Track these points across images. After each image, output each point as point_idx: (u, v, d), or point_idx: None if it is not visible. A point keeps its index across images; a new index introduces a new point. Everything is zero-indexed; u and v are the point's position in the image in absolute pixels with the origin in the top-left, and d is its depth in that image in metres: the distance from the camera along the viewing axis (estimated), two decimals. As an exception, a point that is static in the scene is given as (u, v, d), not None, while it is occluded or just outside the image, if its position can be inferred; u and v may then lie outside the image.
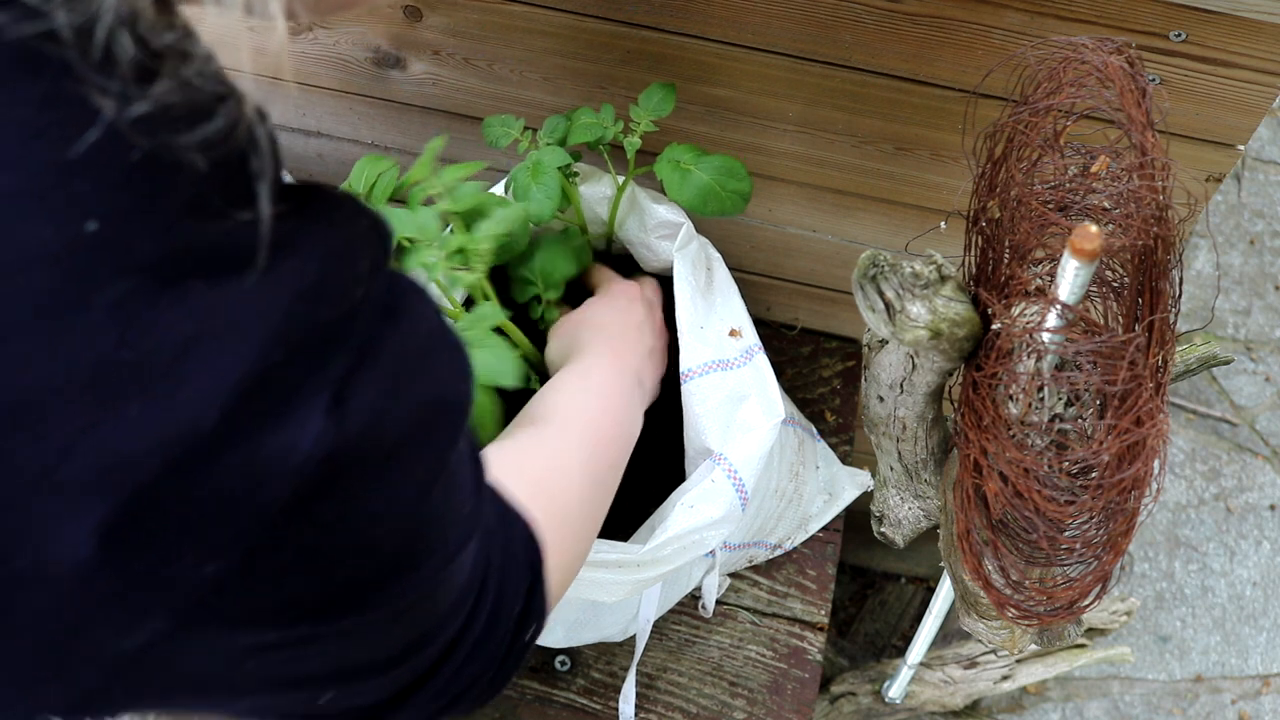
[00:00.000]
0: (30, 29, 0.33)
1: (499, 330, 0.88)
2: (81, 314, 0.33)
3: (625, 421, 0.83)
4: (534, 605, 0.61)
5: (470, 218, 0.88)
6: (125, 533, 0.35)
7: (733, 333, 0.93)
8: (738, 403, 0.90)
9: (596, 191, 1.00)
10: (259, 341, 0.36)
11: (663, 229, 0.98)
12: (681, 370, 0.91)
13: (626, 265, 1.03)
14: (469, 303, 0.93)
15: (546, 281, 0.96)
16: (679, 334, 0.91)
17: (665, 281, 0.99)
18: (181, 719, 0.49)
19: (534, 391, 0.83)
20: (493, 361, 0.80)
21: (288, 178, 0.43)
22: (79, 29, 0.33)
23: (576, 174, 0.99)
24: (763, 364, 0.92)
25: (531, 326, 0.98)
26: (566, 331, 0.92)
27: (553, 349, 0.92)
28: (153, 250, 0.35)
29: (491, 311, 0.85)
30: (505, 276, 0.98)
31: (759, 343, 0.93)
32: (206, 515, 0.36)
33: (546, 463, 0.73)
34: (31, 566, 0.35)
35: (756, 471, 0.88)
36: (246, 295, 0.36)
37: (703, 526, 0.86)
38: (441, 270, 0.83)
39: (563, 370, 0.85)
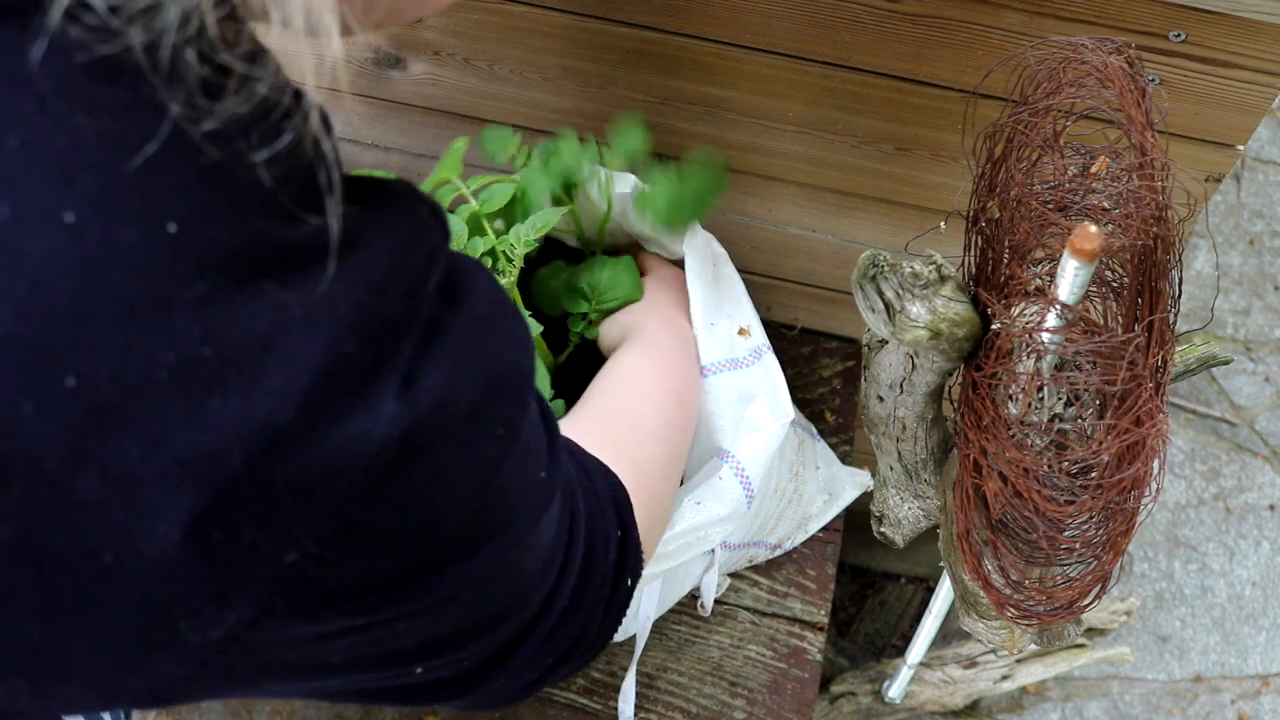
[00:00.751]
0: (108, 49, 0.34)
1: None
2: (165, 313, 0.34)
3: (688, 386, 0.86)
4: (629, 555, 0.62)
5: (494, 219, 0.87)
6: (211, 524, 0.36)
7: (742, 331, 0.93)
8: (746, 401, 0.90)
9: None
10: (331, 335, 0.37)
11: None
12: None
13: (610, 263, 1.03)
14: None
15: (601, 299, 0.96)
16: (694, 330, 0.92)
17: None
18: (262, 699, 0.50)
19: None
20: None
21: None
22: (148, 46, 0.34)
23: (576, 185, 0.99)
24: (771, 364, 0.92)
25: (557, 332, 0.98)
26: (621, 314, 0.94)
27: (609, 330, 0.94)
28: (229, 251, 0.36)
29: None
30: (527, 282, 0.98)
31: (768, 342, 0.93)
32: (289, 504, 0.37)
33: (621, 424, 0.76)
34: (120, 559, 0.35)
35: (763, 470, 0.88)
36: (317, 292, 0.37)
37: (708, 523, 0.86)
38: None
39: (625, 345, 0.88)
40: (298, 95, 0.38)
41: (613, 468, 0.65)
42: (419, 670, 0.50)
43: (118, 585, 0.36)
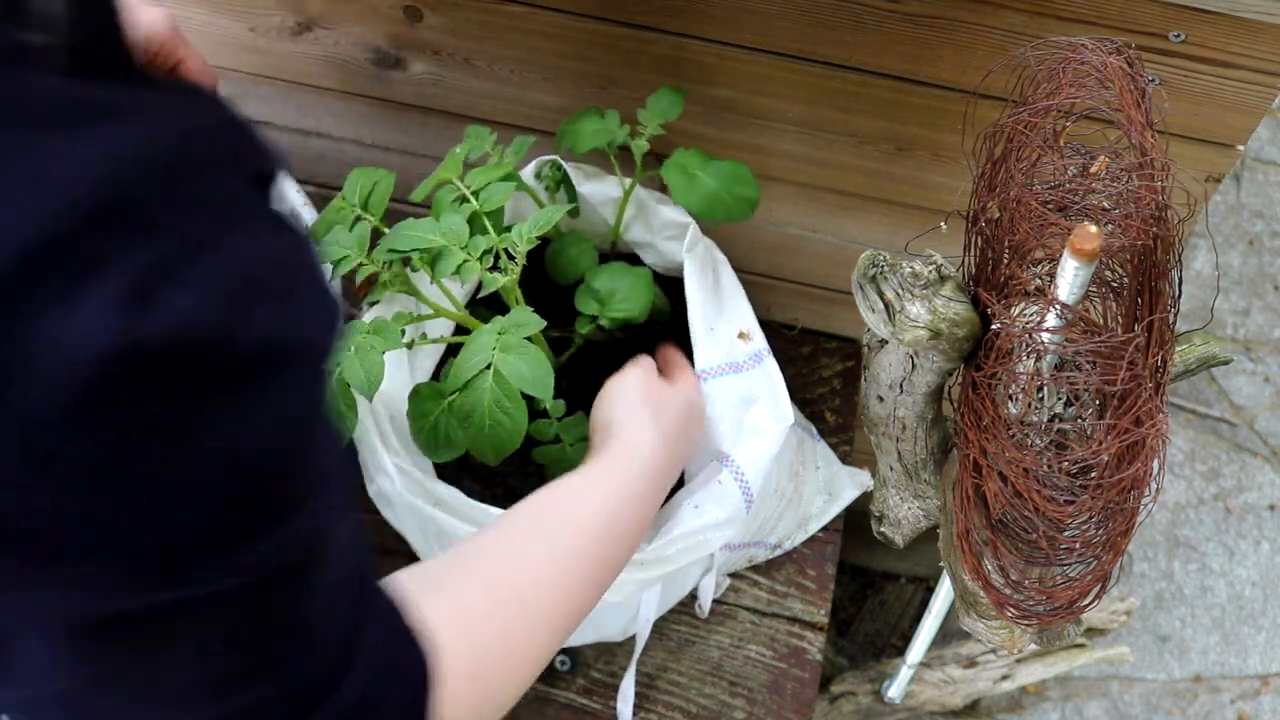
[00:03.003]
0: None
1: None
2: None
3: (629, 537, 0.71)
4: None
5: (496, 218, 0.87)
6: None
7: (741, 335, 0.93)
8: (746, 405, 0.90)
9: (600, 193, 1.00)
10: (49, 207, 0.31)
11: (669, 229, 0.99)
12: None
13: (632, 263, 1.03)
14: (497, 304, 0.91)
15: (612, 309, 0.94)
16: (691, 335, 0.91)
17: (673, 282, 0.99)
18: None
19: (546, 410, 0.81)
20: (526, 370, 0.77)
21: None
22: None
23: (559, 180, 0.99)
24: (772, 368, 0.92)
25: (563, 309, 0.97)
26: (615, 402, 0.79)
27: (598, 413, 0.81)
28: None
29: (529, 319, 0.81)
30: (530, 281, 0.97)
31: (767, 346, 0.93)
32: None
33: (505, 568, 0.60)
34: None
35: (763, 474, 0.88)
36: (48, 151, 0.31)
37: (708, 527, 0.86)
38: (475, 272, 0.83)
39: (588, 464, 0.74)
40: None
41: (454, 626, 0.51)
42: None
43: None
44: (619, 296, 0.94)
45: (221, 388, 0.35)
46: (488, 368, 0.78)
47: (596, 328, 0.95)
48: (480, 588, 0.58)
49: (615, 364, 0.85)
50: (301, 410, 0.39)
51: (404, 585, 0.52)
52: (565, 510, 0.67)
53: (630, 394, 0.79)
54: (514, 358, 0.78)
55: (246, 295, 0.35)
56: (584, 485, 0.70)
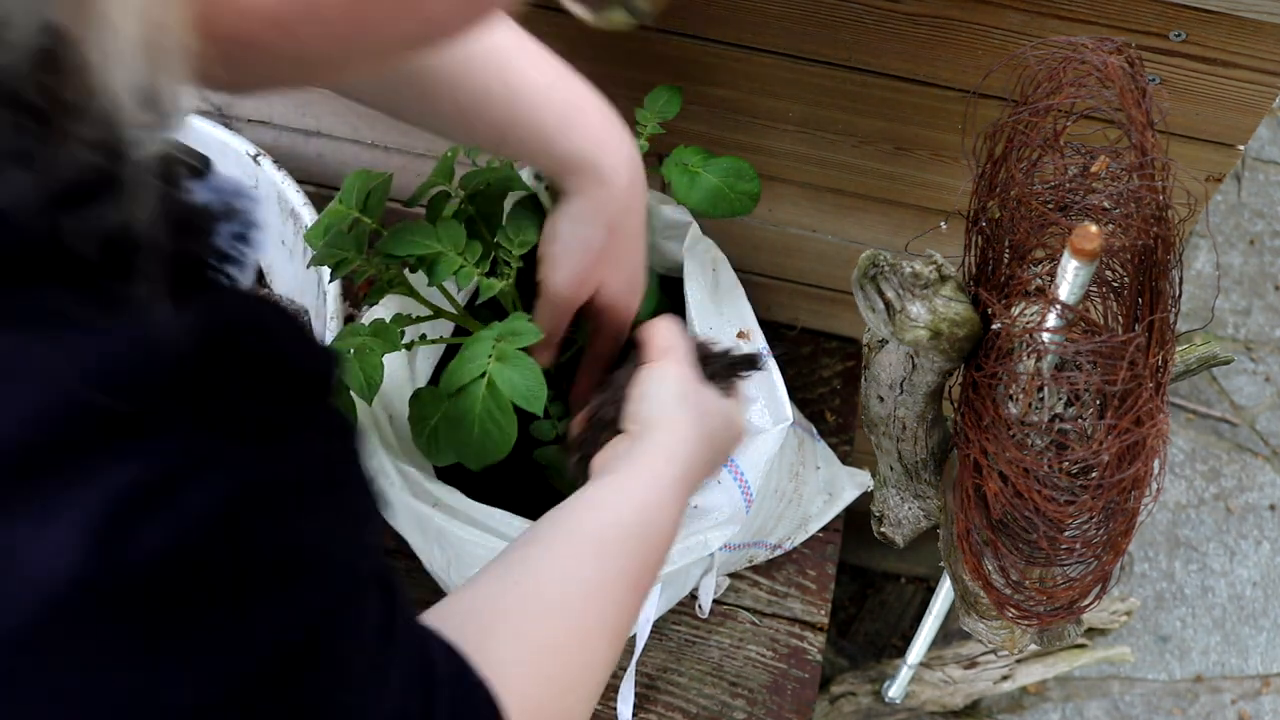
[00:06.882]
0: None
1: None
2: None
3: (665, 544, 0.66)
4: None
5: (494, 219, 0.87)
6: None
7: (741, 335, 0.93)
8: (745, 406, 0.90)
9: None
10: (25, 414, 0.28)
11: (670, 229, 0.98)
12: None
13: None
14: (495, 308, 0.91)
15: None
16: (691, 334, 0.91)
17: (673, 282, 0.99)
18: None
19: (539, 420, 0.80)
20: (520, 382, 0.76)
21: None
22: None
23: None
24: (771, 367, 0.92)
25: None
26: (653, 399, 0.72)
27: (636, 407, 0.75)
28: None
29: (526, 329, 0.79)
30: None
31: (767, 346, 0.93)
32: None
33: (528, 595, 0.56)
34: None
35: (762, 474, 0.88)
36: (36, 353, 0.29)
37: (707, 527, 0.86)
38: (473, 276, 0.82)
39: (627, 466, 0.68)
40: (132, 166, 0.30)
41: (494, 665, 0.47)
42: None
43: None
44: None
45: (210, 614, 0.32)
46: (482, 376, 0.78)
47: None
48: (537, 613, 0.54)
49: (616, 363, 0.84)
50: (308, 633, 0.35)
51: (460, 628, 0.48)
52: (608, 519, 0.63)
53: (669, 391, 0.72)
54: (509, 368, 0.77)
55: (247, 515, 0.32)
56: (625, 488, 0.65)
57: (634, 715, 1.04)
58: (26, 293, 0.29)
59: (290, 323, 0.37)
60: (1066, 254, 0.57)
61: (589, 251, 0.79)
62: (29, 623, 0.28)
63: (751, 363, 0.81)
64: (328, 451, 0.37)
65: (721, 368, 0.79)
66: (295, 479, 0.34)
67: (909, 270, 0.65)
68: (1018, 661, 1.44)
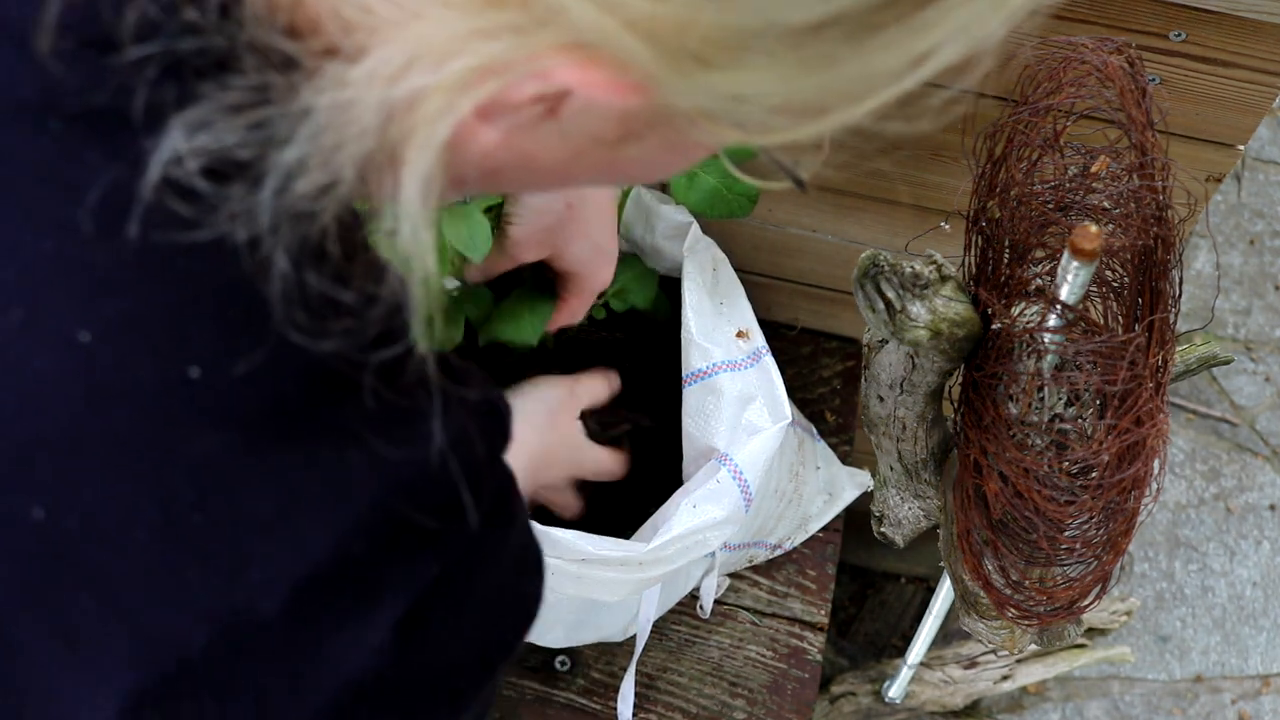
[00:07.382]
0: (204, 235, 0.30)
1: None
2: (161, 465, 0.30)
3: None
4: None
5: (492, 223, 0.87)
6: (150, 708, 0.31)
7: (740, 334, 0.93)
8: (744, 404, 0.90)
9: None
10: (341, 529, 0.32)
11: (670, 231, 0.99)
12: (689, 372, 0.90)
13: (631, 264, 1.03)
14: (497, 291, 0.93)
15: (618, 301, 0.97)
16: (687, 335, 0.92)
17: (673, 283, 0.99)
18: None
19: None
20: (464, 231, 0.78)
21: None
22: (250, 242, 0.30)
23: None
24: (770, 366, 0.92)
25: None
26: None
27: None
28: (253, 409, 0.31)
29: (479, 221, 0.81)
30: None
31: (766, 345, 0.93)
32: (241, 710, 0.31)
33: None
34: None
35: (761, 473, 0.88)
36: (338, 476, 0.32)
37: (706, 527, 0.86)
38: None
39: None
40: (410, 317, 0.33)
41: None
42: None
43: None
44: (627, 287, 0.96)
45: (426, 701, 0.36)
46: None
47: (605, 310, 0.97)
48: None
49: (613, 362, 0.85)
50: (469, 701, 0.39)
51: None
52: None
53: (541, 393, 0.87)
54: (451, 220, 0.78)
55: (477, 613, 0.37)
56: None
57: (634, 715, 1.04)
58: (333, 411, 0.33)
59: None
60: (1066, 254, 0.57)
61: (543, 219, 0.85)
62: (340, 706, 0.33)
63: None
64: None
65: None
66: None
67: (909, 270, 0.65)
68: (1018, 661, 1.44)
